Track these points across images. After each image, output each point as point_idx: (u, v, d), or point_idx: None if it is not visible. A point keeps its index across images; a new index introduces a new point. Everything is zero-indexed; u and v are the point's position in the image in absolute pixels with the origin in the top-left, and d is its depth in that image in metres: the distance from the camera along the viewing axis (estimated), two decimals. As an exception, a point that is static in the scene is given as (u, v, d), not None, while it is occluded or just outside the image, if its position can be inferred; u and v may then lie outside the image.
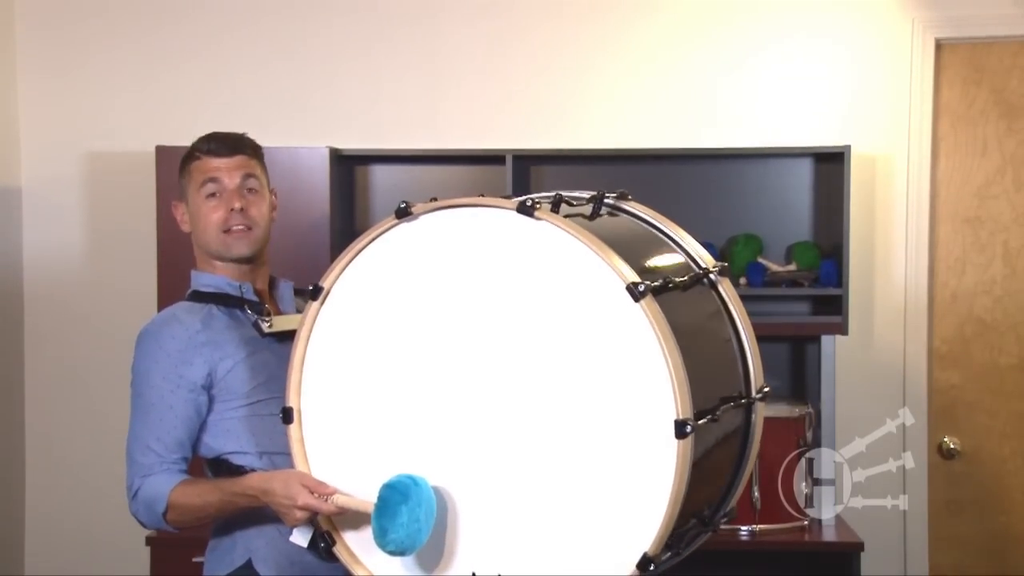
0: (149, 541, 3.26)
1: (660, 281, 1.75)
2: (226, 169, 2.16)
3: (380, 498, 1.80)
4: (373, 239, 1.92)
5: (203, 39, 3.73)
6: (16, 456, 3.74)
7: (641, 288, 1.67)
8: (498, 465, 1.82)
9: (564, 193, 1.89)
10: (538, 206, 1.76)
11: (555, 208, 1.80)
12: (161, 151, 3.32)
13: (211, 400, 2.11)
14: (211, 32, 3.73)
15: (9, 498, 3.72)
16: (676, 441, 1.66)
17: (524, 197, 1.81)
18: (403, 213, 1.87)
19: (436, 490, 1.84)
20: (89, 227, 3.75)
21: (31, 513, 3.78)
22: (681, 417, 1.66)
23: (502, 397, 1.81)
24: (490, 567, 1.83)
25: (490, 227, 1.82)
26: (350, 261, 1.94)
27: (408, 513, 1.78)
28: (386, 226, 1.91)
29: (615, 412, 1.73)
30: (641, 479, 1.71)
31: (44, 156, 3.75)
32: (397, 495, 1.79)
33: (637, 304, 1.68)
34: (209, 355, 2.10)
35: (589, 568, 1.75)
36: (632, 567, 1.71)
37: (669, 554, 1.75)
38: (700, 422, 1.70)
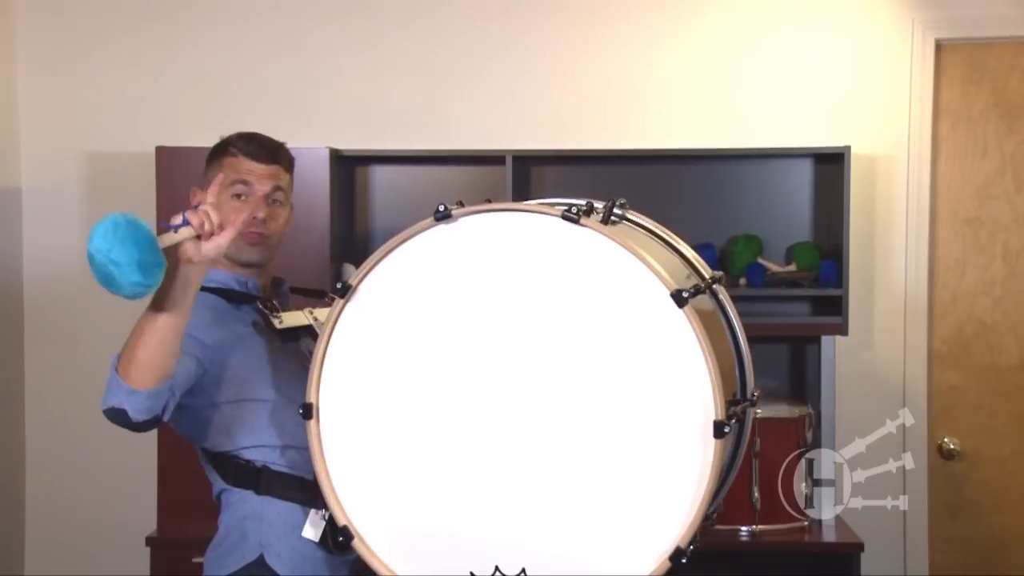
0: (149, 541, 3.27)
1: (693, 288, 1.81)
2: (259, 175, 2.16)
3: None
4: (407, 239, 1.92)
5: (203, 39, 3.73)
6: (16, 456, 3.75)
7: (684, 295, 1.76)
8: (532, 464, 1.85)
9: (571, 201, 1.93)
10: (580, 213, 1.82)
11: (587, 215, 1.85)
12: (161, 151, 3.32)
13: (219, 390, 2.09)
14: (211, 32, 3.73)
15: (9, 498, 3.72)
16: (713, 440, 1.75)
17: (562, 204, 1.87)
18: (442, 216, 1.88)
19: None
20: (89, 227, 3.73)
21: (31, 513, 3.78)
22: (720, 418, 1.74)
23: (537, 396, 1.85)
24: (520, 561, 1.86)
25: (531, 232, 1.85)
26: (380, 260, 1.93)
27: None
28: (423, 227, 1.91)
29: (651, 411, 1.80)
30: (675, 476, 1.79)
31: (44, 156, 3.75)
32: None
33: (680, 310, 1.76)
34: (223, 340, 2.08)
35: (624, 561, 1.82)
36: (666, 559, 1.79)
37: (692, 547, 1.82)
38: (731, 422, 1.79)
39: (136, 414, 1.81)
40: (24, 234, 3.75)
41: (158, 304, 1.77)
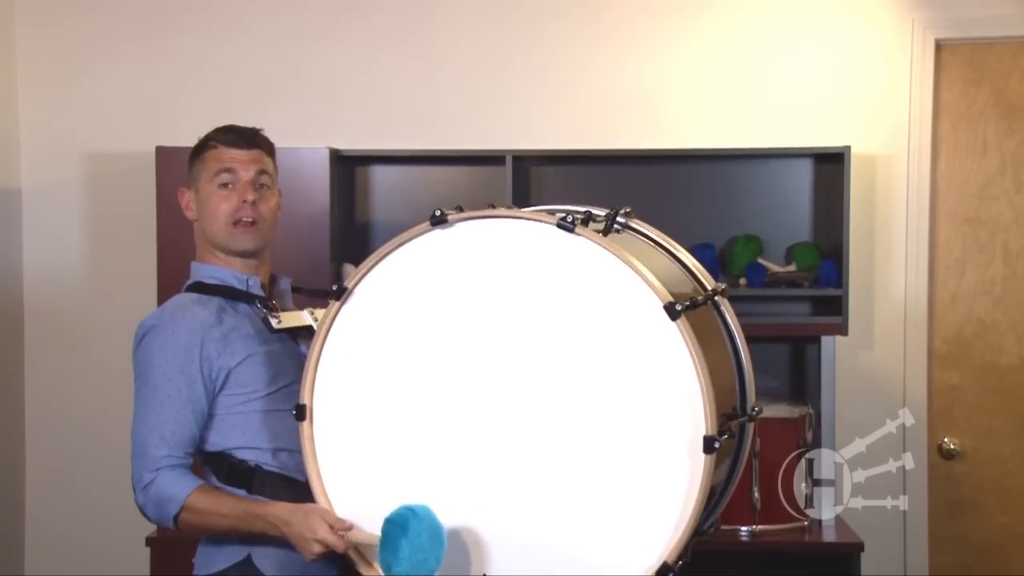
0: (149, 541, 3.26)
1: (689, 301, 1.79)
2: (242, 161, 2.18)
3: (382, 532, 1.83)
4: (403, 243, 1.93)
5: (203, 39, 3.73)
6: (16, 456, 3.74)
7: (678, 307, 1.74)
8: (519, 473, 1.85)
9: (571, 208, 1.93)
10: (576, 221, 1.81)
11: (584, 224, 1.84)
12: (161, 151, 3.33)
13: (219, 394, 2.11)
14: (211, 32, 3.73)
15: (9, 498, 3.72)
16: (703, 456, 1.73)
17: (561, 212, 1.85)
18: (438, 220, 1.88)
19: (436, 513, 1.85)
20: (89, 228, 3.74)
21: (31, 513, 3.78)
22: (711, 433, 1.72)
23: (526, 404, 1.84)
24: (508, 569, 1.86)
25: (526, 239, 1.85)
26: (376, 263, 1.94)
27: (409, 545, 1.80)
28: (419, 232, 1.91)
29: (642, 425, 1.79)
30: (664, 490, 1.77)
31: (44, 157, 3.75)
32: (396, 528, 1.81)
33: (674, 323, 1.74)
34: (224, 349, 2.10)
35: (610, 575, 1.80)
36: (652, 575, 1.78)
37: (681, 563, 1.80)
38: (723, 437, 1.76)
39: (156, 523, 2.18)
40: (24, 234, 3.75)
41: (263, 524, 2.02)
